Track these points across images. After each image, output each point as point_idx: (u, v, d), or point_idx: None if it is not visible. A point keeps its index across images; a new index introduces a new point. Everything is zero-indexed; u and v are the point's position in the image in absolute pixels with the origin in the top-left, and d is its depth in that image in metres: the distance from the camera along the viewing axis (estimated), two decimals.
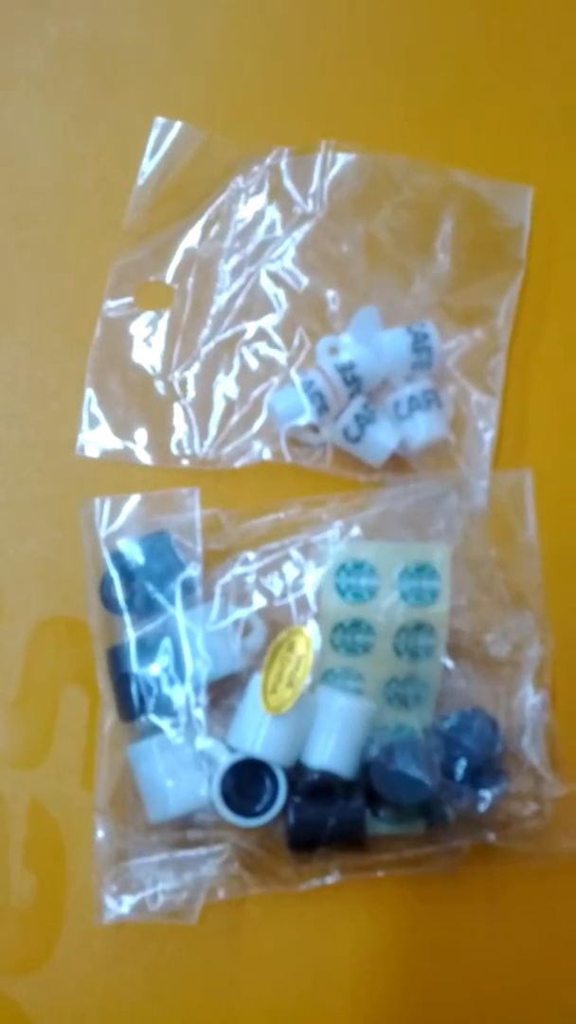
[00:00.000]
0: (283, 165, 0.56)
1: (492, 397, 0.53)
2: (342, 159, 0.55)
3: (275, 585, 0.48)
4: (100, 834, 0.46)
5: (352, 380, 0.51)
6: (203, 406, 0.53)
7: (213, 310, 0.54)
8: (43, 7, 0.60)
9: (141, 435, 0.53)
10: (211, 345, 0.54)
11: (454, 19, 0.60)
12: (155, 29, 0.60)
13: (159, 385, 0.53)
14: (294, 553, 0.49)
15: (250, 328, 0.54)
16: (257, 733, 0.45)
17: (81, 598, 0.49)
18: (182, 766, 0.45)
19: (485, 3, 0.61)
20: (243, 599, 0.48)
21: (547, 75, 0.59)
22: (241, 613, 0.47)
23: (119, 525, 0.48)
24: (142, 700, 0.46)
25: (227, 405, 0.53)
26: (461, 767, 0.45)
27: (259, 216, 0.55)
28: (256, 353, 0.53)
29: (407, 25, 0.60)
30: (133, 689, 0.46)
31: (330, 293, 0.54)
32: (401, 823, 0.46)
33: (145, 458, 0.52)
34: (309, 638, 0.45)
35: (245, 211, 0.55)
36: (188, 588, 0.47)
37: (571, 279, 0.56)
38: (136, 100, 0.58)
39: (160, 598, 0.47)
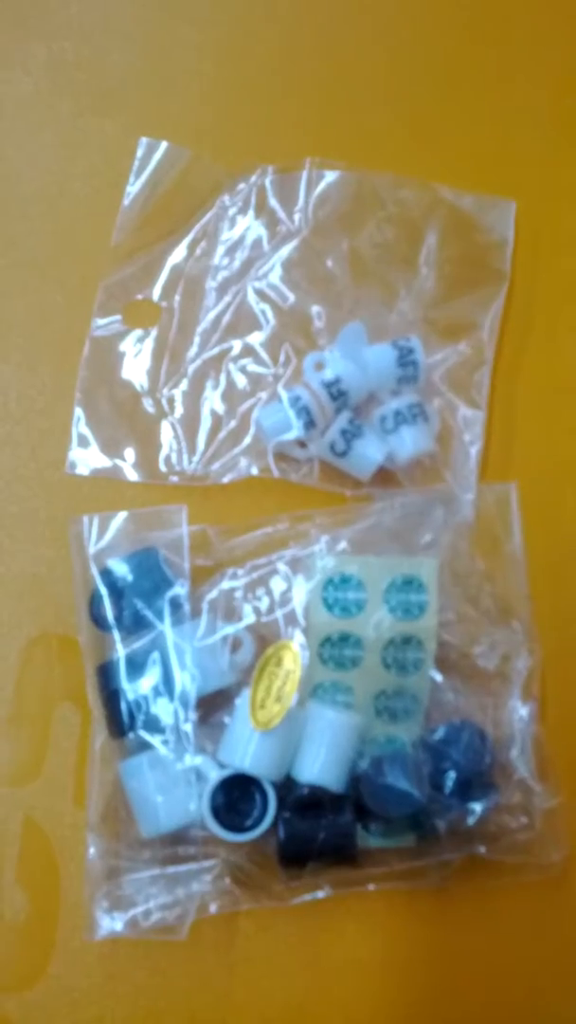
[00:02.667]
0: (268, 183, 0.56)
1: (478, 410, 0.53)
2: (327, 176, 0.56)
3: (263, 600, 0.48)
4: (92, 851, 0.46)
5: (338, 395, 0.51)
6: (191, 423, 0.53)
7: (200, 327, 0.54)
8: (30, 31, 0.60)
9: (130, 452, 0.53)
10: (198, 362, 0.54)
11: (437, 37, 0.61)
12: (140, 51, 0.60)
13: (147, 402, 0.54)
14: (282, 568, 0.49)
15: (237, 345, 0.54)
16: (246, 748, 0.45)
17: (72, 615, 0.49)
18: (172, 782, 0.45)
19: (467, 20, 0.61)
20: (231, 614, 0.48)
21: (529, 90, 0.60)
22: (229, 628, 0.47)
23: (108, 542, 0.49)
24: (132, 716, 0.46)
25: (214, 421, 0.53)
26: (450, 780, 0.45)
27: (245, 233, 0.55)
28: (243, 369, 0.54)
29: (390, 43, 0.61)
30: (123, 706, 0.46)
31: (316, 309, 0.54)
32: (391, 836, 0.46)
33: (134, 475, 0.53)
34: (296, 653, 0.46)
35: (231, 229, 0.56)
36: (176, 604, 0.47)
37: (555, 292, 0.56)
38: (122, 121, 0.58)
39: (149, 614, 0.47)
